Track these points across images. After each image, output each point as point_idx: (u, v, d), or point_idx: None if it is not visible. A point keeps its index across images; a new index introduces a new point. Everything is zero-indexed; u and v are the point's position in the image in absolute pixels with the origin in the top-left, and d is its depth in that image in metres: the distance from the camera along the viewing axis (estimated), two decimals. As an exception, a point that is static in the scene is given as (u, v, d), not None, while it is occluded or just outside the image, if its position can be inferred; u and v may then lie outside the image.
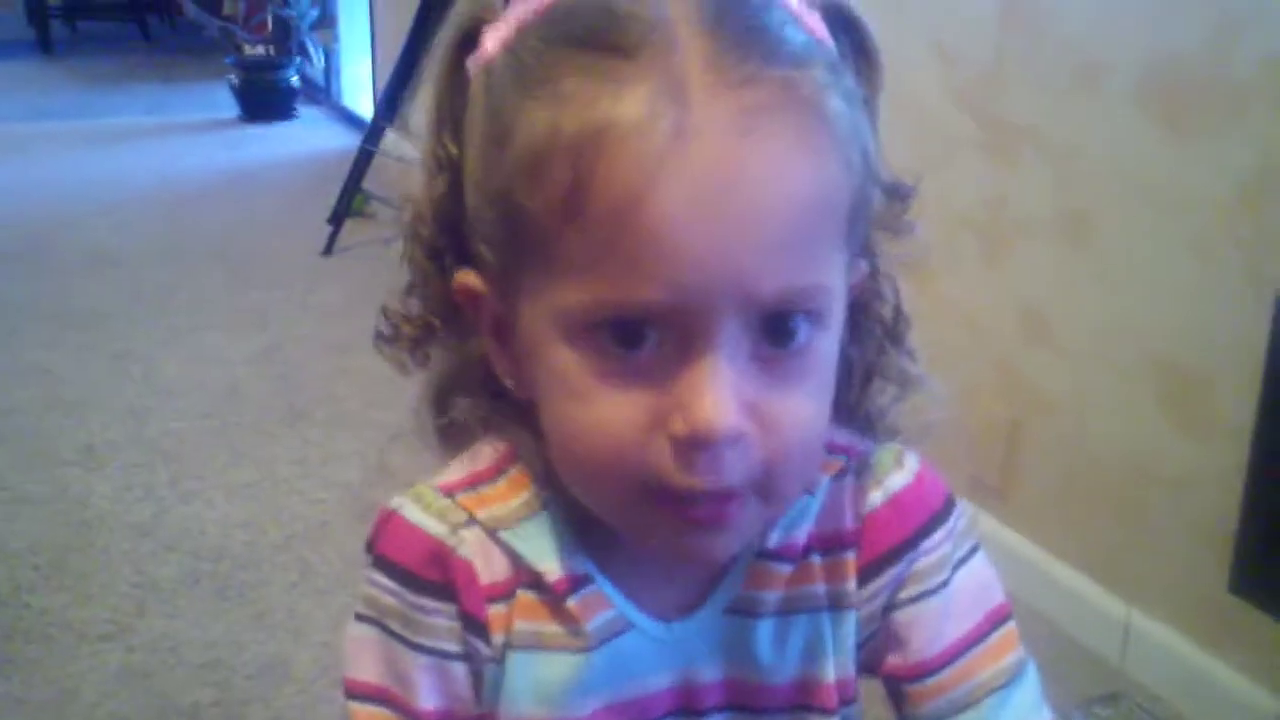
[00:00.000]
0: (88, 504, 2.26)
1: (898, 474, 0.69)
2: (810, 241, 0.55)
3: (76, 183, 4.47)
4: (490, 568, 0.65)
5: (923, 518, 0.69)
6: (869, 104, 0.60)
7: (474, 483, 0.68)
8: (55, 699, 1.74)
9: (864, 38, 0.62)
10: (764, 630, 0.66)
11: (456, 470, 0.69)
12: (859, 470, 0.69)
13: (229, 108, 5.48)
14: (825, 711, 0.68)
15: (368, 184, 3.81)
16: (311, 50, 5.50)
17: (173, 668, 1.81)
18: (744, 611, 0.67)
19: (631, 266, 0.52)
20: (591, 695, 0.65)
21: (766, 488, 0.57)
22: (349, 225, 3.74)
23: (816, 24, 0.58)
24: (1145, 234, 1.79)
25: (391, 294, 0.68)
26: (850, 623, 0.68)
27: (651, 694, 0.67)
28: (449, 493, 0.68)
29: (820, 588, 0.67)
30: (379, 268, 3.30)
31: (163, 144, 5.11)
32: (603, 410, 0.55)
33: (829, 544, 0.67)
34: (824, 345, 0.58)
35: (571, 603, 0.64)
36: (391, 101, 3.75)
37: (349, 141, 4.60)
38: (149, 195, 4.32)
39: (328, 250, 3.67)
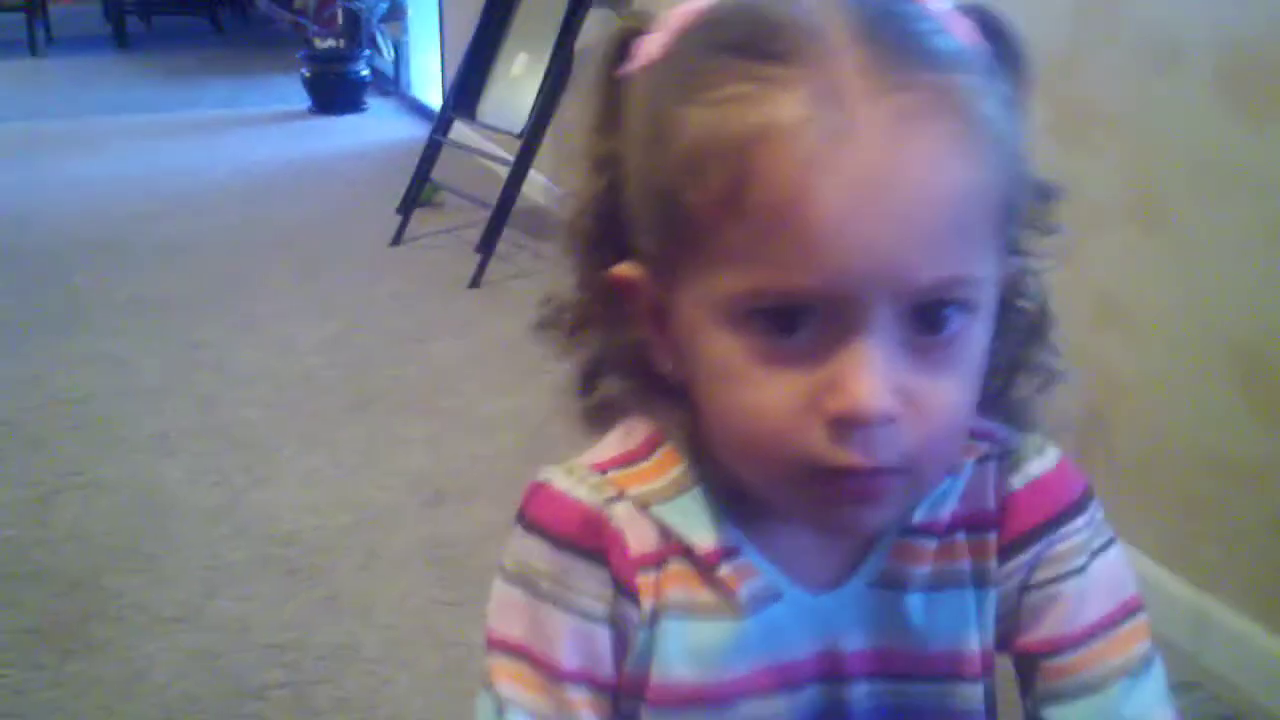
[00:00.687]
0: (161, 489, 2.29)
1: (1039, 461, 0.73)
2: (961, 236, 0.58)
3: (151, 175, 4.54)
4: (640, 539, 0.69)
5: (1063, 503, 0.72)
6: (1018, 107, 0.63)
7: (626, 460, 0.72)
8: (128, 679, 1.77)
9: (1012, 43, 0.64)
10: (913, 602, 0.69)
11: (607, 449, 0.73)
12: (1001, 455, 0.71)
13: (300, 100, 5.54)
14: (971, 680, 0.71)
15: (436, 174, 3.84)
16: (381, 43, 5.55)
17: (243, 650, 1.83)
18: (890, 584, 0.70)
19: (791, 257, 0.56)
20: (743, 660, 0.69)
21: (914, 468, 0.61)
22: (417, 215, 3.76)
23: (967, 31, 0.61)
24: (1222, 219, 1.75)
25: (554, 283, 0.73)
26: (991, 599, 0.70)
27: (799, 660, 0.70)
28: (601, 470, 0.71)
29: (965, 564, 0.70)
30: (446, 257, 3.36)
31: (235, 136, 5.18)
32: (761, 392, 0.59)
33: (973, 523, 0.70)
34: (974, 334, 0.61)
35: (723, 571, 0.68)
36: (460, 92, 3.76)
37: (418, 132, 4.64)
38: (222, 187, 4.37)
39: (396, 240, 3.70)
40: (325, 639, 1.86)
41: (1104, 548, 0.72)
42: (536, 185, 3.91)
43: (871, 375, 0.57)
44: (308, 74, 5.48)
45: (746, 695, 0.69)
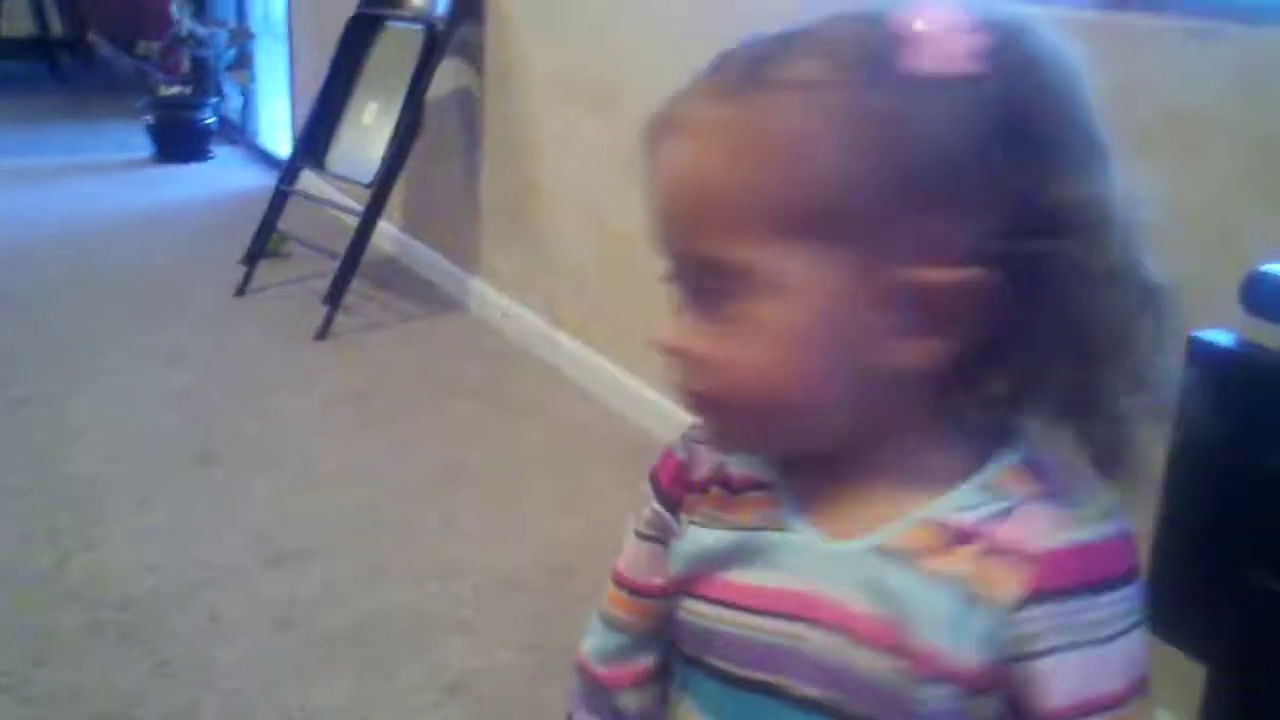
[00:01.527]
0: (-14, 550, 2.19)
1: (1100, 525, 0.70)
2: (717, 224, 0.67)
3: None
4: (699, 469, 0.80)
5: (1108, 573, 0.69)
6: (886, 123, 0.65)
7: None
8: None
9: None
10: (900, 579, 0.70)
11: None
12: (1062, 501, 0.70)
13: (143, 147, 5.40)
14: (926, 679, 0.69)
15: (284, 224, 3.77)
16: (228, 90, 5.45)
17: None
18: (891, 556, 0.71)
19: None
20: (726, 569, 0.76)
21: (720, 407, 0.72)
22: (264, 266, 3.69)
23: (810, 67, 0.66)
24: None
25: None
26: (983, 619, 0.69)
27: (781, 590, 0.73)
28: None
29: (967, 573, 0.69)
30: (293, 308, 3.30)
31: (75, 184, 5.01)
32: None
33: (998, 549, 0.69)
34: (768, 314, 0.67)
35: (749, 496, 0.76)
36: (308, 141, 3.72)
37: (265, 181, 4.55)
38: (59, 237, 4.23)
39: (241, 291, 3.62)
40: (161, 707, 1.79)
41: (1131, 629, 0.70)
42: (386, 235, 3.88)
43: (672, 318, 0.71)
44: (151, 121, 5.34)
45: (724, 602, 0.75)
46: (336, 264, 3.36)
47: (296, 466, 2.55)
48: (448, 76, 3.50)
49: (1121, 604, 0.69)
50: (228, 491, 2.44)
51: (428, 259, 3.81)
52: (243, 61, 5.47)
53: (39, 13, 7.34)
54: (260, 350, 3.21)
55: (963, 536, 0.69)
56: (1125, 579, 0.70)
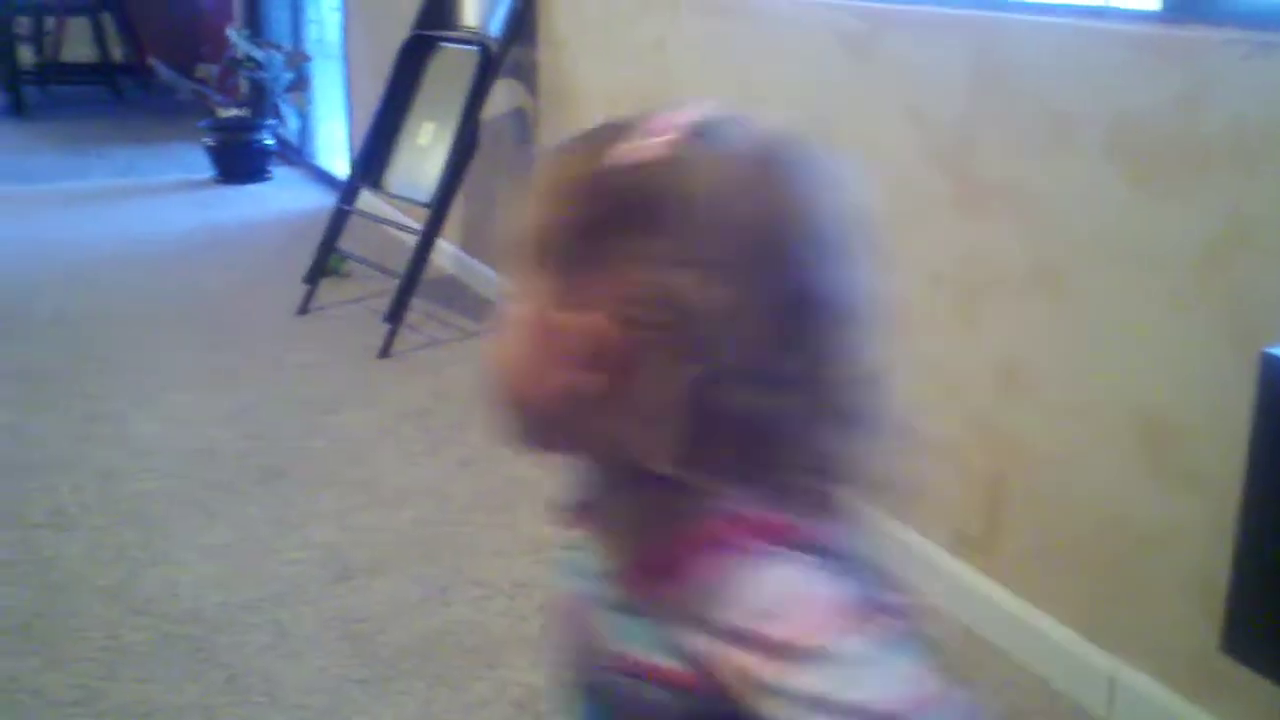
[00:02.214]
0: (57, 567, 2.23)
1: (769, 590, 0.71)
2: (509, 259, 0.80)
3: (49, 245, 4.45)
4: None
5: (783, 638, 0.69)
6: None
7: None
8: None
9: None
10: (610, 591, 0.78)
11: None
12: (743, 559, 0.71)
13: (204, 169, 5.48)
14: (653, 683, 0.76)
15: (344, 243, 3.82)
16: (286, 112, 5.52)
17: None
18: (611, 577, 0.79)
19: None
20: (562, 586, 0.85)
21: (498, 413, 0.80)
22: (325, 285, 3.74)
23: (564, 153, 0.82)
24: (1120, 288, 1.80)
25: None
26: (663, 637, 0.74)
27: (573, 605, 0.84)
28: None
29: (650, 604, 0.76)
30: (354, 327, 3.34)
31: (137, 206, 5.11)
32: None
33: (671, 589, 0.73)
34: (514, 315, 0.78)
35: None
36: (367, 162, 3.76)
37: (324, 201, 4.61)
38: (122, 258, 4.30)
39: (303, 310, 3.66)
40: (231, 720, 1.81)
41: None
42: (445, 254, 3.91)
43: None
44: (211, 143, 5.43)
45: (558, 614, 0.86)
46: (396, 282, 3.40)
47: (361, 483, 2.58)
48: (503, 96, 3.54)
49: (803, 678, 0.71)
50: (293, 508, 2.47)
51: (487, 276, 3.84)
52: (300, 84, 5.54)
53: (100, 38, 7.47)
54: (323, 368, 3.25)
55: (643, 566, 0.79)
56: (808, 652, 0.71)
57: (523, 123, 3.54)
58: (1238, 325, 1.64)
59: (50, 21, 8.33)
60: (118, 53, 7.70)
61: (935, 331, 2.12)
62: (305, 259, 3.77)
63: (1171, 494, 1.75)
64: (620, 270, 0.73)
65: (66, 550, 2.29)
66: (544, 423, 0.78)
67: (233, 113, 5.53)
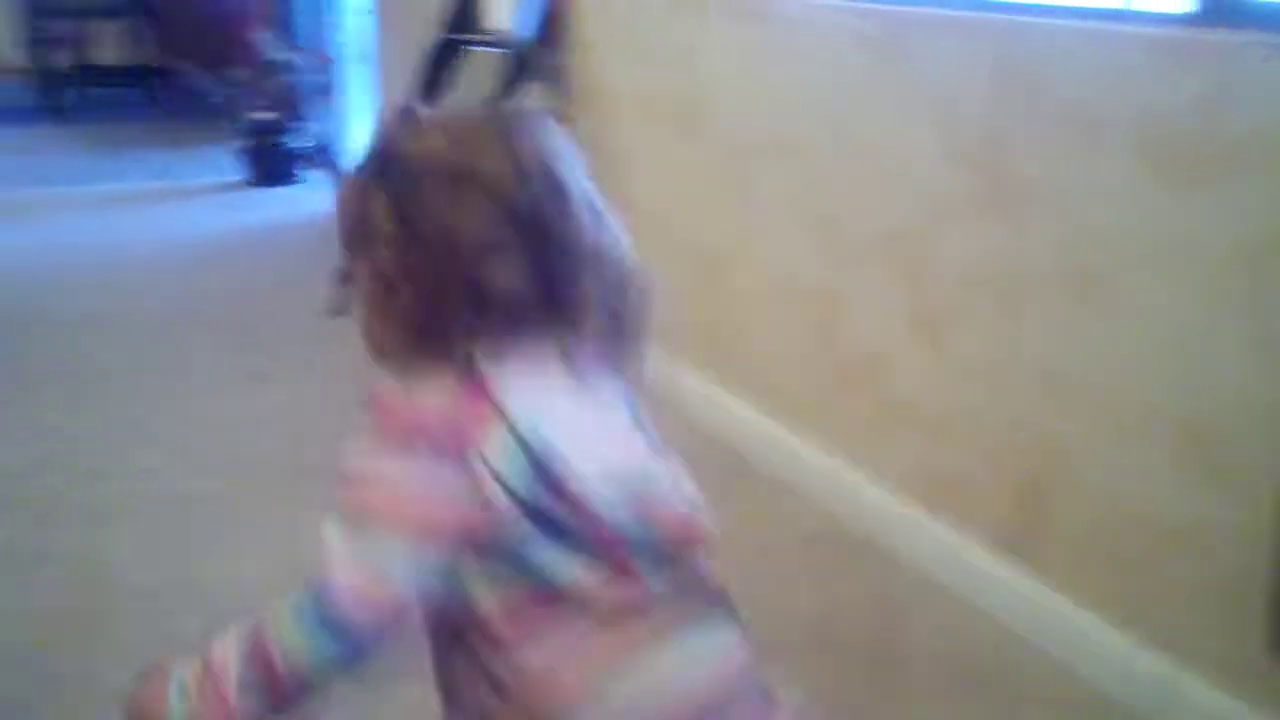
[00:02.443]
0: (100, 564, 2.28)
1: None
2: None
3: (84, 247, 4.52)
4: None
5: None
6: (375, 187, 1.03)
7: None
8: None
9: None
10: None
11: None
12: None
13: (235, 171, 5.54)
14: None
15: (374, 246, 3.85)
16: (315, 115, 5.58)
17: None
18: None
19: None
20: None
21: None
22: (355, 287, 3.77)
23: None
24: (1154, 288, 1.82)
25: None
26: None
27: None
28: None
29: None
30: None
31: (170, 208, 5.18)
32: None
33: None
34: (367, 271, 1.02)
35: None
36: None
37: (355, 204, 4.65)
38: (157, 259, 4.37)
39: (334, 312, 3.71)
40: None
41: None
42: (474, 256, 3.95)
43: None
44: (242, 146, 5.49)
45: None
46: (427, 284, 3.43)
47: (393, 482, 2.62)
48: (534, 99, 3.57)
49: None
50: (326, 506, 2.51)
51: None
52: (329, 86, 5.59)
53: (133, 41, 7.56)
54: (356, 368, 3.28)
55: None
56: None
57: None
58: (1273, 325, 1.66)
59: (86, 25, 8.42)
60: (151, 55, 7.79)
61: (970, 333, 2.15)
62: (335, 261, 3.79)
63: (1211, 493, 1.76)
64: (376, 222, 1.00)
65: (109, 547, 2.34)
66: (378, 351, 1.05)
67: (263, 116, 5.59)
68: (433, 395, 0.95)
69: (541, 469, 0.94)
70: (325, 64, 5.58)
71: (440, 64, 3.78)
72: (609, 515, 0.96)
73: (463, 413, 0.94)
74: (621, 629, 0.98)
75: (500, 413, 0.94)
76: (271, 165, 5.50)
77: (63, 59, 7.82)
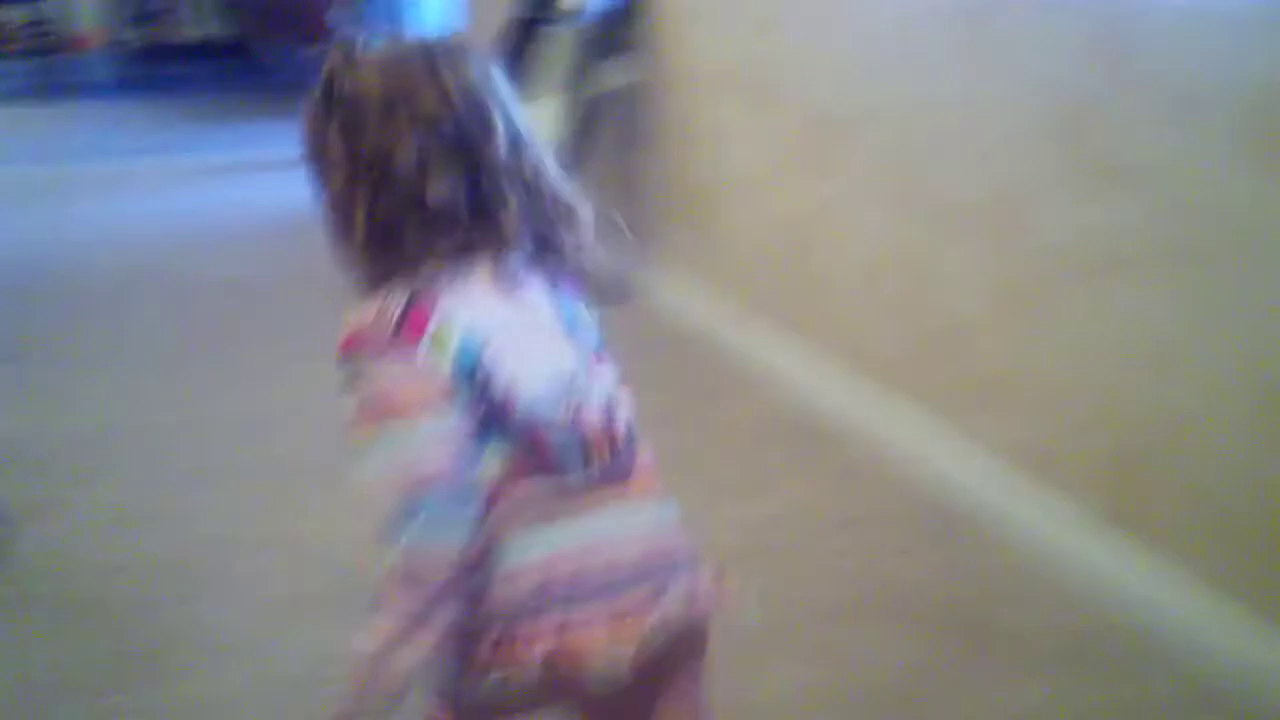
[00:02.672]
0: (202, 520, 2.37)
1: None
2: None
3: (179, 216, 4.64)
4: None
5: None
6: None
7: None
8: (199, 710, 1.84)
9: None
10: None
11: None
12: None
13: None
14: None
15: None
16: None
17: (327, 679, 1.90)
18: None
19: None
20: None
21: None
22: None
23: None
24: (1249, 265, 1.83)
25: None
26: None
27: None
28: None
29: None
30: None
31: (253, 180, 5.28)
32: None
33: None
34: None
35: None
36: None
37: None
38: (245, 229, 4.49)
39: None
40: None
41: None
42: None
43: None
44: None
45: None
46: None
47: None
48: (615, 74, 3.61)
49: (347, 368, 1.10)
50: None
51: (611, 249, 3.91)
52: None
53: (209, 18, 7.67)
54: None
55: None
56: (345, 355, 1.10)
57: (637, 99, 3.61)
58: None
59: (163, 1, 8.55)
60: (226, 32, 7.90)
61: (1061, 306, 2.17)
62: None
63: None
64: (328, 149, 1.09)
65: (209, 505, 2.43)
66: (346, 263, 1.12)
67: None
68: (382, 306, 1.08)
69: (474, 368, 1.05)
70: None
71: (519, 42, 3.82)
72: (533, 412, 1.07)
73: (409, 319, 1.06)
74: (536, 510, 1.10)
75: (441, 317, 1.05)
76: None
77: (146, 34, 7.95)
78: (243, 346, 3.31)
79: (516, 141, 1.10)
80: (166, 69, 7.93)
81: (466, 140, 1.08)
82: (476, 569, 1.07)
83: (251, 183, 5.22)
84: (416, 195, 1.07)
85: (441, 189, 1.07)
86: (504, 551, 1.08)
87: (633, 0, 3.49)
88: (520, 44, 3.82)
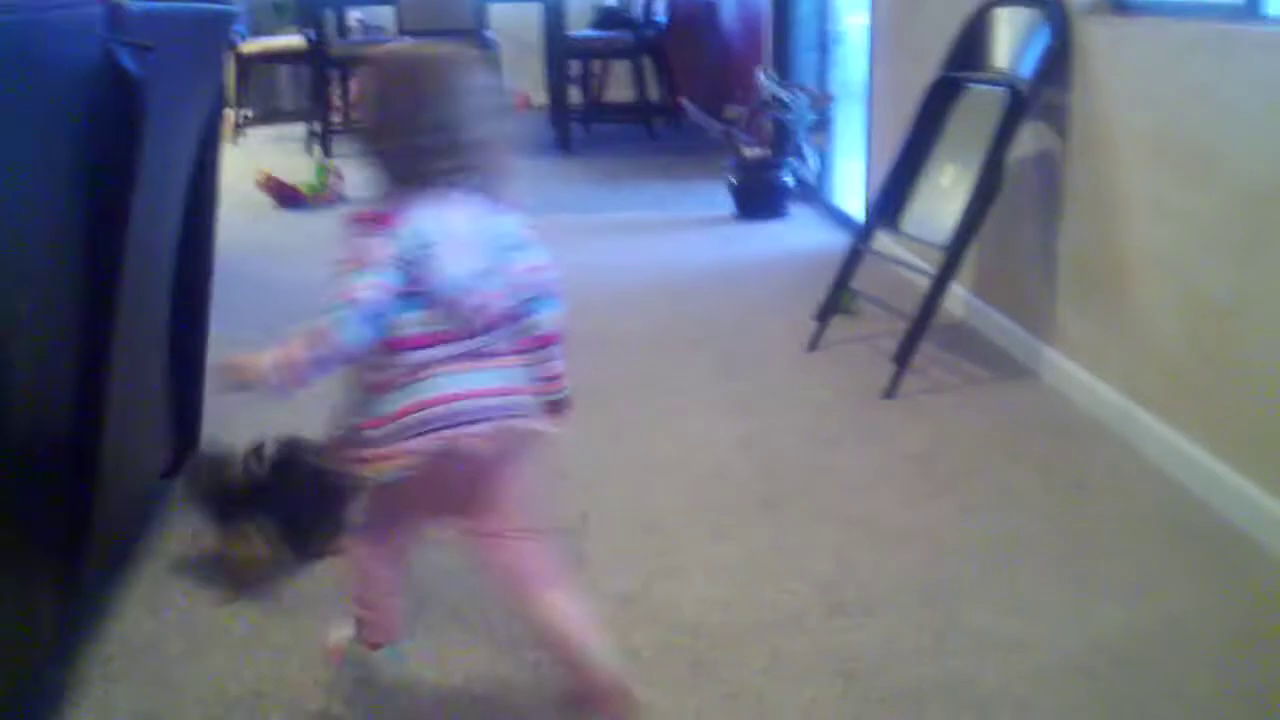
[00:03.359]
0: (579, 568, 2.40)
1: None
2: None
3: (587, 270, 4.82)
4: None
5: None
6: None
7: None
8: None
9: None
10: None
11: None
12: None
13: (725, 205, 5.75)
14: None
15: (856, 283, 3.87)
16: (807, 152, 5.68)
17: (647, 735, 1.88)
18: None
19: None
20: None
21: None
22: (834, 322, 3.80)
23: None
24: None
25: None
26: None
27: None
28: None
29: None
30: (861, 365, 3.37)
31: (664, 238, 5.43)
32: None
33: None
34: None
35: None
36: (884, 202, 3.79)
37: (837, 240, 4.70)
38: (651, 284, 4.59)
39: (812, 346, 3.75)
40: (726, 736, 1.88)
41: None
42: (955, 297, 3.87)
43: None
44: (734, 181, 5.68)
45: None
46: (905, 324, 3.40)
47: (859, 520, 2.60)
48: (1028, 139, 3.46)
49: None
50: (793, 537, 2.53)
51: (998, 323, 3.76)
52: (821, 124, 5.68)
53: (639, 80, 8.02)
54: (828, 404, 3.30)
55: None
56: None
57: (1049, 167, 3.44)
58: None
59: (596, 64, 9.05)
60: (654, 93, 8.24)
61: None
62: (817, 295, 3.85)
63: None
64: (369, 111, 1.75)
65: (588, 553, 2.46)
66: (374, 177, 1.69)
67: (757, 152, 5.76)
68: (378, 205, 1.65)
69: (416, 252, 1.60)
70: (825, 103, 5.67)
71: (936, 102, 3.73)
72: (449, 290, 1.63)
73: (388, 216, 1.62)
74: (445, 360, 1.66)
75: (406, 219, 1.61)
76: (761, 200, 5.65)
77: (575, 96, 8.44)
78: (612, 399, 3.36)
79: (479, 116, 1.67)
80: (594, 129, 8.37)
81: (444, 112, 1.64)
82: (384, 384, 1.65)
83: (649, 241, 5.38)
84: (411, 143, 1.64)
85: (426, 140, 1.63)
86: (421, 385, 1.64)
87: (1056, 64, 3.32)
88: (939, 103, 3.72)
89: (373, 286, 1.58)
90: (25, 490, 1.77)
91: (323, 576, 2.36)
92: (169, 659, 2.11)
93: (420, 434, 1.64)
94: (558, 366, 1.87)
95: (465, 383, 1.66)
